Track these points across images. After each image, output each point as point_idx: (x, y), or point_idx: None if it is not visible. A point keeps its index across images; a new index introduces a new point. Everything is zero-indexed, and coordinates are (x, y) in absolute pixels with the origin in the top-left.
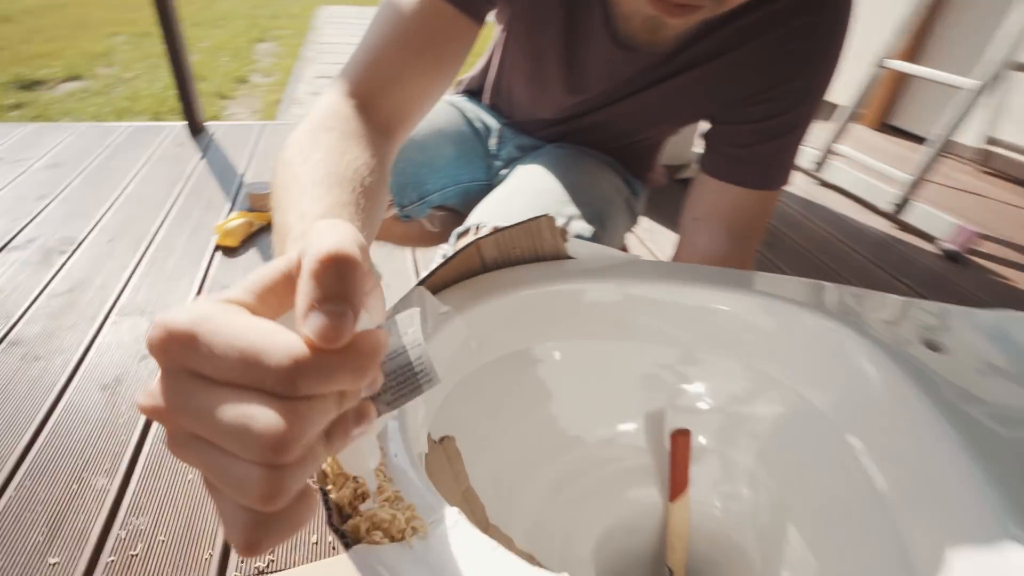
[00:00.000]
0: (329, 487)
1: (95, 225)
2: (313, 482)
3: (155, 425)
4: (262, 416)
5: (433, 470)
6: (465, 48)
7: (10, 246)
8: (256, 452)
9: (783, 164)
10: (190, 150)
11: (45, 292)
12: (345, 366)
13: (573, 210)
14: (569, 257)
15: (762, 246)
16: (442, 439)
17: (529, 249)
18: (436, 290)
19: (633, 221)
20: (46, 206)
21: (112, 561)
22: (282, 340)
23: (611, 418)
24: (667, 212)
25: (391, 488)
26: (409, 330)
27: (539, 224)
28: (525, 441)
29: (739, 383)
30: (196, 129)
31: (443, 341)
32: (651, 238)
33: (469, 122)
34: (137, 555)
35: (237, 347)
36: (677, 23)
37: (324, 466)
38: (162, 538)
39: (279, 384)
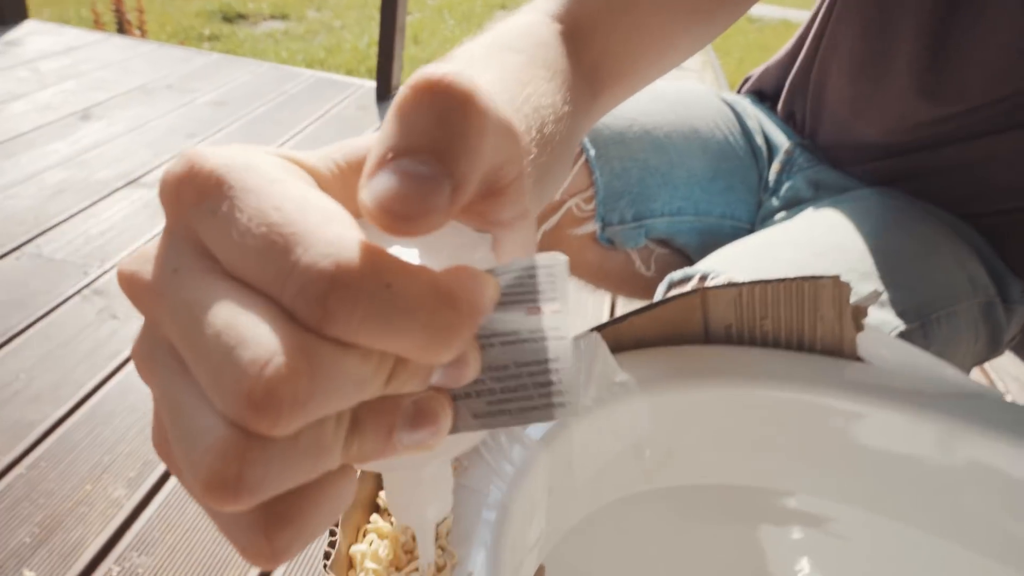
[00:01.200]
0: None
1: None
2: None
3: None
4: (259, 340)
5: None
6: None
7: (139, 181)
8: (229, 396)
9: None
10: (372, 115)
11: (152, 242)
12: (419, 307)
13: (879, 288)
14: (858, 358)
15: None
16: None
17: (789, 326)
18: (620, 347)
19: (993, 344)
20: (193, 146)
21: None
22: (331, 232)
23: None
24: None
25: None
26: (549, 303)
27: (818, 288)
28: None
29: None
30: (386, 93)
31: (604, 428)
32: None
33: (745, 133)
34: None
35: (268, 220)
36: None
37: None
38: None
39: (303, 299)
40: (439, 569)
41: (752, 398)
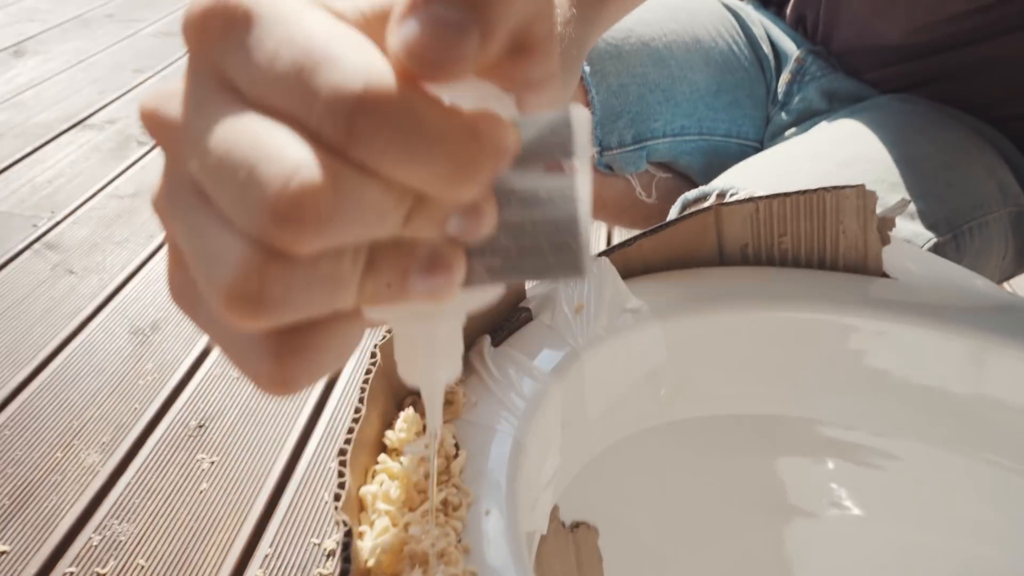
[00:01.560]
0: (374, 519)
1: None
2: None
3: (181, 401)
4: (285, 156)
5: (548, 568)
6: None
7: (87, 123)
8: (254, 211)
9: None
10: None
11: (106, 190)
12: (443, 137)
13: (906, 199)
14: (884, 274)
15: None
16: (575, 525)
17: (810, 242)
18: (629, 273)
19: (1020, 258)
20: (142, 82)
21: (72, 573)
22: (361, 57)
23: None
24: None
25: (462, 562)
26: (568, 160)
27: (841, 199)
28: None
29: None
30: None
31: (617, 358)
32: None
33: (751, 42)
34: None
35: (297, 45)
36: None
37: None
38: (142, 562)
39: (329, 118)
40: (454, 508)
41: (771, 321)
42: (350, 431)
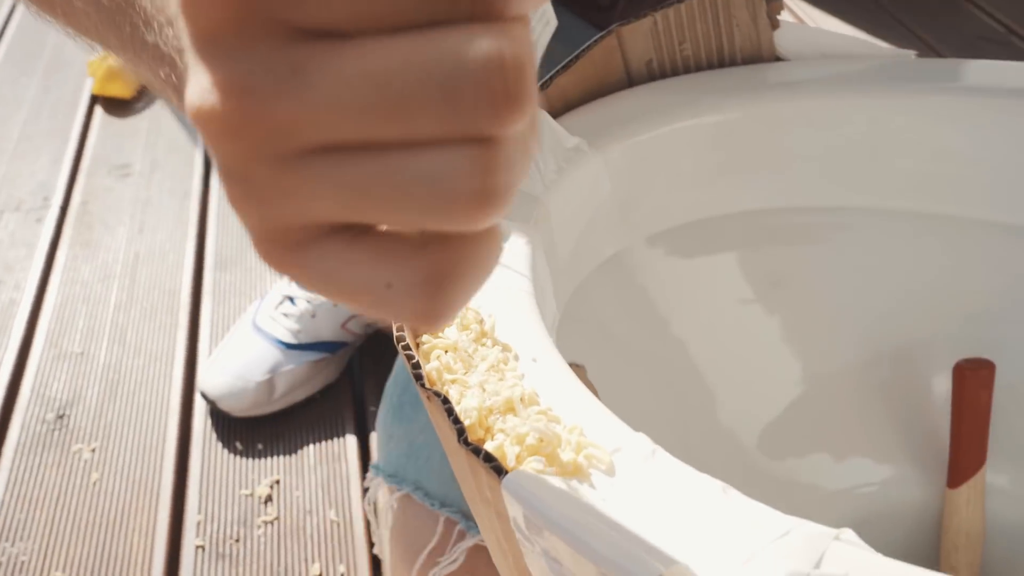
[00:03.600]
0: (448, 389)
1: None
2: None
3: (24, 396)
4: (470, 42)
5: None
6: None
7: None
8: (471, 104)
9: None
10: None
11: None
12: None
13: None
14: (779, 59)
15: None
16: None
17: (708, 44)
18: (555, 113)
19: None
20: None
21: None
22: None
23: (833, 345)
24: None
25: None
26: None
27: None
28: (701, 383)
29: None
30: None
31: (572, 197)
32: None
33: None
34: None
35: None
36: None
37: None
38: (60, 575)
39: None
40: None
41: (693, 129)
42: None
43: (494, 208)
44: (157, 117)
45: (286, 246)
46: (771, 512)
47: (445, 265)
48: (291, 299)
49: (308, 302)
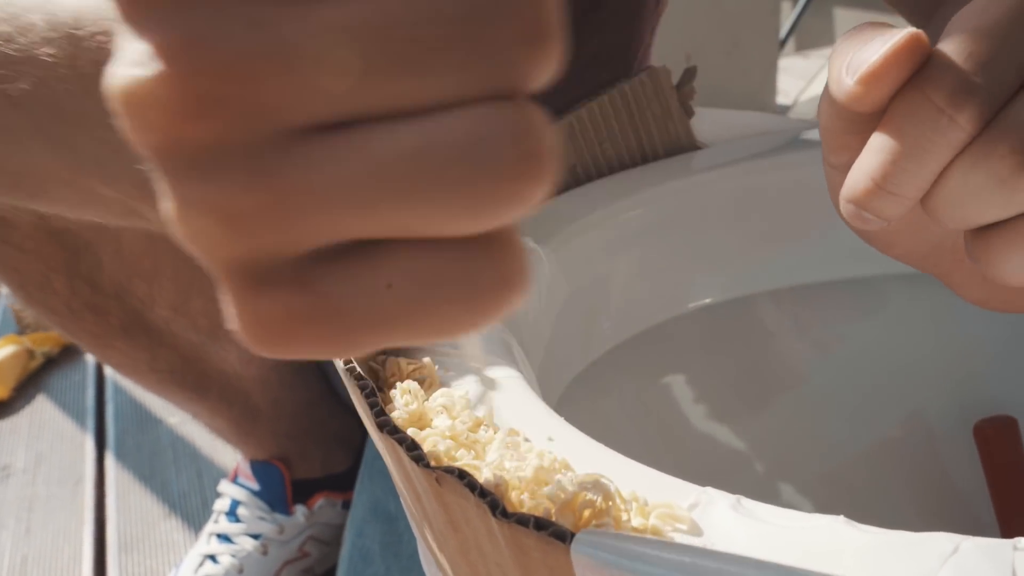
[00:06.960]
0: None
1: None
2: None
3: None
4: None
5: None
6: None
7: None
8: (504, 47)
9: None
10: None
11: None
12: None
13: (691, 64)
14: (699, 147)
15: None
16: None
17: (627, 139)
18: None
19: None
20: None
21: None
22: None
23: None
24: None
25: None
26: None
27: (635, 88)
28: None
29: None
30: None
31: (536, 302)
32: None
33: None
34: None
35: None
36: None
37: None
38: None
39: None
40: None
41: (629, 225)
42: (379, 416)
43: (543, 176)
44: (39, 411)
45: (291, 288)
46: (908, 534)
47: (507, 263)
48: (212, 558)
49: (232, 556)
